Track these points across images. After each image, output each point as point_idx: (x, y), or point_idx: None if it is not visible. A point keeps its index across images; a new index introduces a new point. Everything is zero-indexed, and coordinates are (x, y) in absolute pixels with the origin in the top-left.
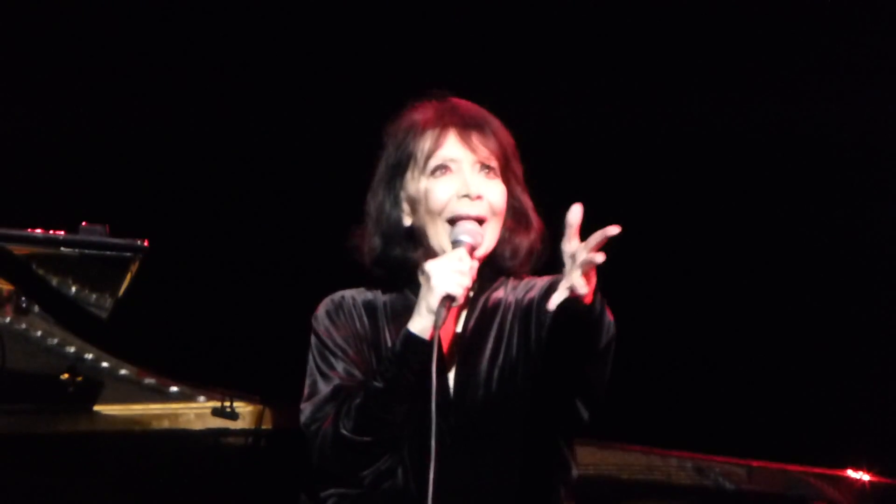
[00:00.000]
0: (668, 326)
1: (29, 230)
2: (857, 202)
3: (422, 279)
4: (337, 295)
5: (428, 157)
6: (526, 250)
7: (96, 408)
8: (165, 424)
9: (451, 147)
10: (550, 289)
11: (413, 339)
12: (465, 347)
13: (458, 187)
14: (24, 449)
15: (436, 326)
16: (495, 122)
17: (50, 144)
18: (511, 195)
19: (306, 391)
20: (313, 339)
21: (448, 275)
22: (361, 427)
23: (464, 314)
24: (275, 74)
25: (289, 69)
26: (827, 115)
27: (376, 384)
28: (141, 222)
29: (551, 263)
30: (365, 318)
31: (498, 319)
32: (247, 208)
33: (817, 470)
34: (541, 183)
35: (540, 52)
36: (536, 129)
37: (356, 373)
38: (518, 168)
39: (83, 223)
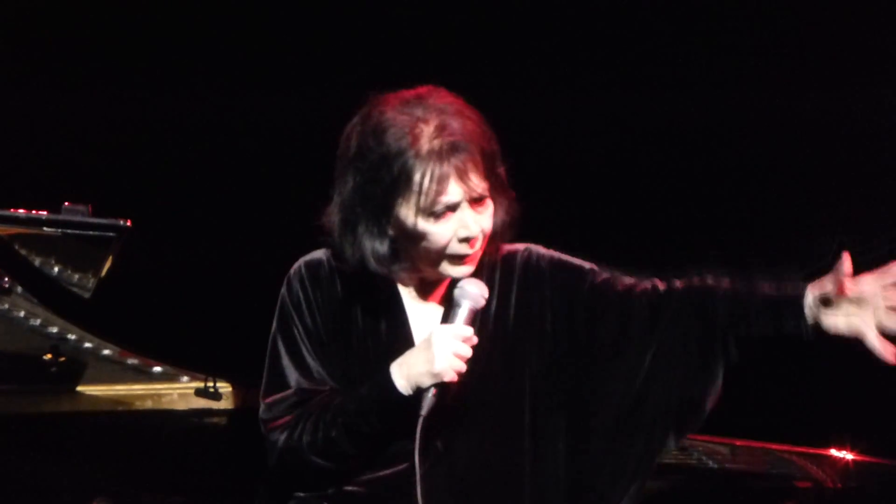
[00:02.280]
0: None
1: (10, 210)
2: (835, 188)
3: (425, 342)
4: (314, 259)
5: (432, 202)
6: (506, 227)
7: (79, 388)
8: (149, 405)
9: (454, 192)
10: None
11: (398, 398)
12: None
13: (457, 229)
14: (6, 430)
15: (421, 412)
16: (480, 132)
17: (31, 124)
18: (492, 189)
19: (266, 378)
20: (279, 316)
21: (449, 357)
22: (330, 457)
23: (441, 295)
24: (256, 53)
25: (268, 49)
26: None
27: (349, 421)
28: (124, 202)
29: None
30: (339, 288)
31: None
32: (229, 189)
33: (800, 449)
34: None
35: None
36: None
37: (322, 370)
38: (498, 165)
39: (65, 203)
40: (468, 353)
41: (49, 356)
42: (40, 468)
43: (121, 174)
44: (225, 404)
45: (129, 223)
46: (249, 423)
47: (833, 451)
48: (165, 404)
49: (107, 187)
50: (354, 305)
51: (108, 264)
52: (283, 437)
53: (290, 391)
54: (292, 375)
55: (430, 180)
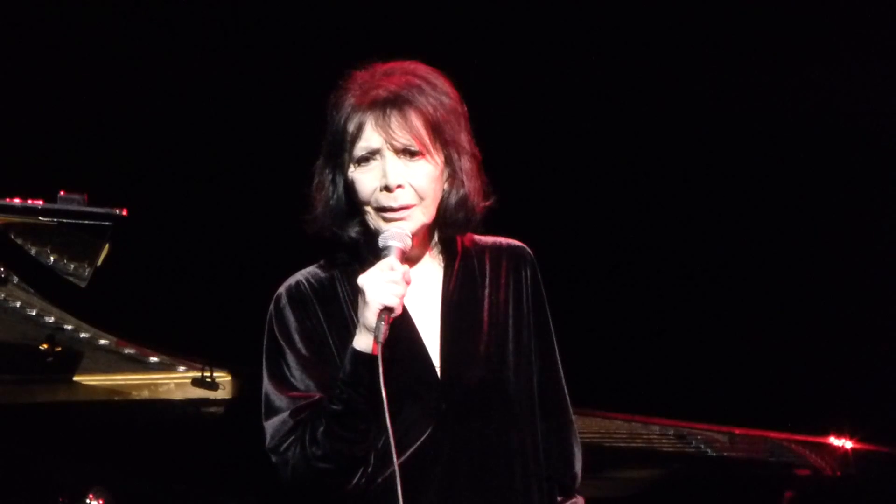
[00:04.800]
0: (651, 296)
1: (6, 199)
2: (831, 169)
3: (359, 295)
4: (292, 283)
5: (352, 147)
6: (464, 213)
7: (76, 378)
8: (145, 394)
9: (370, 136)
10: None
11: (361, 357)
12: (449, 322)
13: (380, 178)
14: (3, 420)
15: (377, 340)
16: (424, 87)
17: (27, 113)
18: (446, 161)
19: (263, 407)
20: (267, 343)
21: (381, 286)
22: (331, 452)
23: (440, 288)
24: (253, 41)
25: (267, 40)
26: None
27: (334, 407)
28: (119, 191)
29: (496, 221)
30: (324, 306)
31: (478, 291)
32: (225, 177)
33: (799, 437)
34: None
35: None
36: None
37: (313, 383)
38: (454, 129)
39: (61, 192)
40: (398, 275)
41: (45, 346)
42: (36, 458)
43: (117, 163)
44: (222, 394)
45: (125, 212)
46: (246, 412)
47: (832, 439)
48: (162, 394)
49: (103, 176)
50: (342, 309)
51: (104, 253)
52: (291, 455)
53: (285, 414)
54: (286, 400)
55: (353, 126)
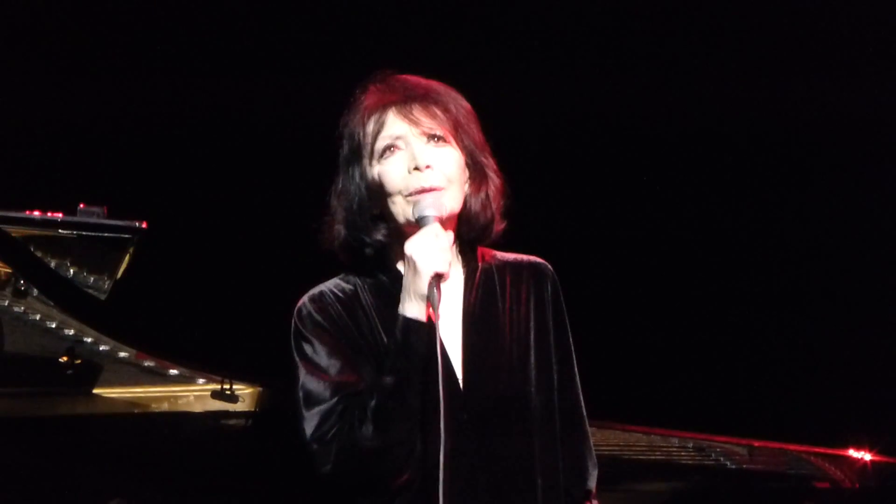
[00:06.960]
0: (668, 307)
1: (27, 212)
2: (842, 183)
3: (405, 263)
4: (315, 292)
5: (374, 141)
6: (488, 213)
7: (95, 391)
8: (165, 407)
9: (393, 124)
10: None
11: (412, 324)
12: (471, 335)
13: (408, 162)
14: (23, 432)
15: (433, 307)
16: (441, 91)
17: (48, 126)
18: (468, 157)
19: (301, 400)
20: (296, 344)
21: (431, 252)
22: (382, 428)
23: (459, 297)
24: (271, 58)
25: (282, 53)
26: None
27: (387, 380)
28: (139, 204)
29: (514, 236)
30: (349, 314)
31: (499, 305)
32: (245, 189)
33: (819, 449)
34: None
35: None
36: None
37: (348, 376)
38: (473, 130)
39: (81, 205)
40: (444, 241)
41: (65, 358)
42: (56, 470)
43: (137, 175)
44: (241, 407)
45: (144, 225)
46: (265, 425)
47: (851, 452)
48: (182, 407)
49: (123, 189)
50: (367, 317)
51: (123, 266)
52: (336, 438)
53: (331, 402)
54: (326, 385)
55: (373, 124)
